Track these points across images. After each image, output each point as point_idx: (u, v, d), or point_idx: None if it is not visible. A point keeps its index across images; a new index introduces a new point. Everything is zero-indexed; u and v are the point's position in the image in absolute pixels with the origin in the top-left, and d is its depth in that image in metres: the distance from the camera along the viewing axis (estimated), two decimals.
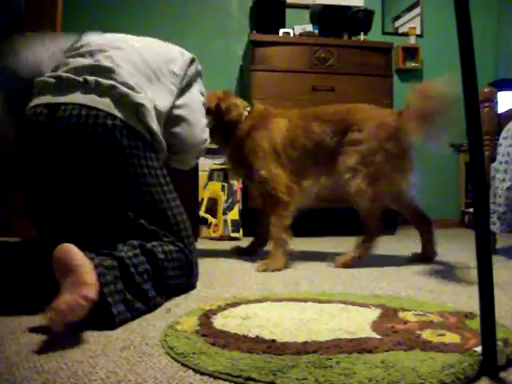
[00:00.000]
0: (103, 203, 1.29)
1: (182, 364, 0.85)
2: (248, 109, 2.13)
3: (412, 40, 3.88)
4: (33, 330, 1.04)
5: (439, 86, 1.78)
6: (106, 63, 1.39)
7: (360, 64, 3.27)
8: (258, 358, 0.85)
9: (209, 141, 1.75)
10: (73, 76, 1.35)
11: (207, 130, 1.71)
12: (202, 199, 3.09)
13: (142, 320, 1.13)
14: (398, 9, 3.99)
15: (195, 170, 2.88)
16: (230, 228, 3.04)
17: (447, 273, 1.79)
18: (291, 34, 3.38)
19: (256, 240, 2.25)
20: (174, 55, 1.57)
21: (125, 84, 1.35)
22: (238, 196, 3.10)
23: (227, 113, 2.07)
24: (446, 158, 3.95)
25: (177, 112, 1.54)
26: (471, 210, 2.99)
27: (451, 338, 0.96)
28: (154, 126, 1.39)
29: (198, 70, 1.66)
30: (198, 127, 1.62)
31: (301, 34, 3.43)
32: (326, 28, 3.50)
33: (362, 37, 3.47)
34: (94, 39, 1.53)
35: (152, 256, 1.23)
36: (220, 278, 1.67)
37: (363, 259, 1.92)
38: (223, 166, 2.97)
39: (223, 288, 1.50)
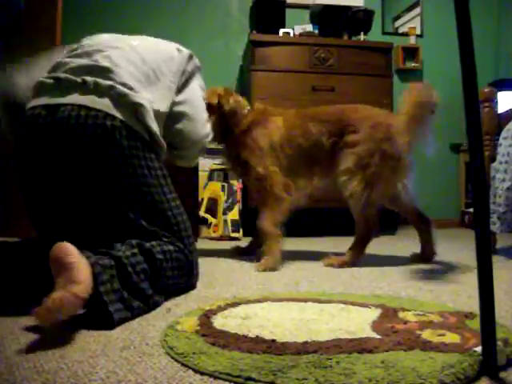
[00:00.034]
0: (103, 204, 1.29)
1: (182, 364, 0.85)
2: (248, 107, 2.15)
3: (412, 40, 3.88)
4: (33, 329, 1.04)
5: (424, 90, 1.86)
6: (105, 63, 1.38)
7: (360, 64, 3.27)
8: (258, 358, 0.85)
9: (211, 135, 1.76)
10: (71, 76, 1.34)
11: (208, 124, 1.72)
12: (202, 199, 3.09)
13: (142, 320, 1.14)
14: (397, 9, 3.99)
15: (195, 169, 2.88)
16: (229, 228, 3.04)
17: (447, 273, 1.80)
18: (291, 34, 3.38)
19: (255, 240, 2.25)
20: (171, 52, 1.56)
21: (123, 84, 1.35)
22: (238, 196, 3.10)
23: (233, 111, 2.08)
24: (446, 158, 3.96)
25: (178, 108, 1.54)
26: (471, 209, 2.99)
27: (451, 337, 0.96)
28: (153, 126, 1.38)
29: (197, 65, 1.65)
30: (200, 122, 1.63)
31: (301, 34, 3.43)
32: (326, 28, 3.50)
33: (361, 37, 3.47)
34: (91, 40, 1.52)
35: (150, 256, 1.23)
36: (220, 278, 1.67)
37: (363, 259, 1.92)
38: (223, 166, 2.97)
39: (223, 288, 1.50)
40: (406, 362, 0.82)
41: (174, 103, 1.52)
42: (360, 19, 3.49)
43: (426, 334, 0.98)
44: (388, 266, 1.91)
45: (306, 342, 0.93)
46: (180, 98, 1.55)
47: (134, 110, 1.34)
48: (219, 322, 1.08)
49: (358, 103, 2.20)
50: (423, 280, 1.64)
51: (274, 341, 0.94)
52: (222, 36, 3.70)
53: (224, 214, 3.06)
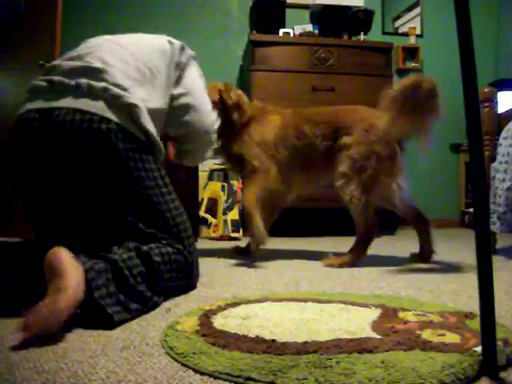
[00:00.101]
0: (101, 208, 1.29)
1: (182, 364, 0.85)
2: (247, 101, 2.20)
3: (412, 40, 3.88)
4: None
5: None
6: (97, 64, 1.36)
7: (360, 64, 3.28)
8: (258, 358, 0.85)
9: (218, 122, 1.76)
10: (65, 79, 1.32)
11: (213, 111, 1.73)
12: (202, 199, 3.09)
13: (142, 320, 1.14)
14: (398, 9, 4.00)
15: (195, 169, 2.89)
16: (229, 228, 3.04)
17: (447, 273, 1.80)
18: (291, 34, 3.38)
19: None
20: (163, 46, 1.55)
21: (117, 85, 1.33)
22: (238, 196, 3.10)
23: (237, 104, 2.11)
24: (446, 158, 3.96)
25: (180, 101, 1.54)
26: (471, 209, 2.99)
27: (451, 337, 0.95)
28: (149, 126, 1.36)
29: (191, 54, 1.64)
30: (205, 112, 1.63)
31: (301, 34, 3.43)
32: (326, 28, 3.50)
33: (361, 37, 3.47)
34: (86, 43, 1.51)
35: (147, 258, 1.22)
36: (220, 278, 1.67)
37: (362, 260, 1.92)
38: (223, 166, 2.97)
39: (223, 288, 1.50)
40: (406, 362, 0.82)
41: (174, 97, 1.52)
42: (360, 19, 3.50)
43: (426, 334, 0.98)
44: (388, 266, 1.91)
45: (305, 342, 0.93)
46: (180, 90, 1.54)
47: (129, 110, 1.32)
48: (219, 322, 1.08)
49: (358, 103, 2.20)
50: (423, 280, 1.64)
51: (274, 341, 0.94)
52: (222, 36, 3.71)
53: (224, 214, 3.06)
